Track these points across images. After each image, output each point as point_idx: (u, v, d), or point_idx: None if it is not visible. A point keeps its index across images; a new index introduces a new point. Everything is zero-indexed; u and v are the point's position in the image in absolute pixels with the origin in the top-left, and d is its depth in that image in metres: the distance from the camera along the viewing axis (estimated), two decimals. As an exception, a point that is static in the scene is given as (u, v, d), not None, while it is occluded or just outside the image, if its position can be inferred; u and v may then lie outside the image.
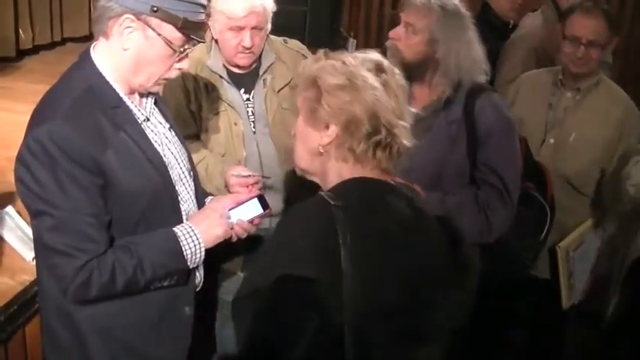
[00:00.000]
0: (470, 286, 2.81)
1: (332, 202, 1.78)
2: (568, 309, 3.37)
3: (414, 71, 2.81)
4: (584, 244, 3.33)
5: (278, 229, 1.90)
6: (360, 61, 1.90)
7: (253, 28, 2.94)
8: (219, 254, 3.17)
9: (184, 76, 3.06)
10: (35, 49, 4.94)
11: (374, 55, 1.94)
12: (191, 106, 3.11)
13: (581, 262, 3.34)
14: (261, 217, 2.37)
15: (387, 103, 1.86)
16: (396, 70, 1.96)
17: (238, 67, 3.07)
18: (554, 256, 3.26)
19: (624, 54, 5.69)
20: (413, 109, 2.85)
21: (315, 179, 2.01)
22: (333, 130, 1.86)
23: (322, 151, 1.90)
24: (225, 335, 3.48)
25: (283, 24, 4.86)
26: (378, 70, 1.90)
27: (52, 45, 5.13)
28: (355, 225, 1.75)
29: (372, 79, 1.86)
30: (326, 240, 1.73)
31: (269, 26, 3.04)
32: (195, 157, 3.03)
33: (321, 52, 1.96)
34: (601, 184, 3.35)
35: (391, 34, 2.87)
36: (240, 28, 2.93)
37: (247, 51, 2.98)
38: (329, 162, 1.92)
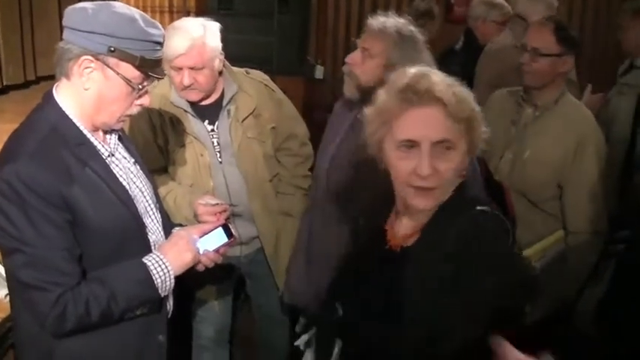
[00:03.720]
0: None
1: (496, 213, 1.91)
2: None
3: (370, 95, 2.88)
4: (545, 257, 3.35)
5: None
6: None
7: (191, 67, 3.00)
8: (193, 283, 3.25)
9: (150, 112, 3.14)
10: (5, 89, 4.97)
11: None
12: (158, 140, 3.18)
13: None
14: (226, 245, 2.41)
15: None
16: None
17: (191, 101, 3.14)
18: None
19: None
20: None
21: (437, 197, 1.93)
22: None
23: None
24: (202, 364, 3.54)
25: (251, 54, 4.99)
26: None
27: (26, 84, 5.17)
28: None
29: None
30: None
31: (215, 64, 3.07)
32: (164, 189, 3.11)
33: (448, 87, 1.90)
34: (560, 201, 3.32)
35: (348, 59, 2.94)
36: (179, 68, 3.00)
37: (190, 89, 3.05)
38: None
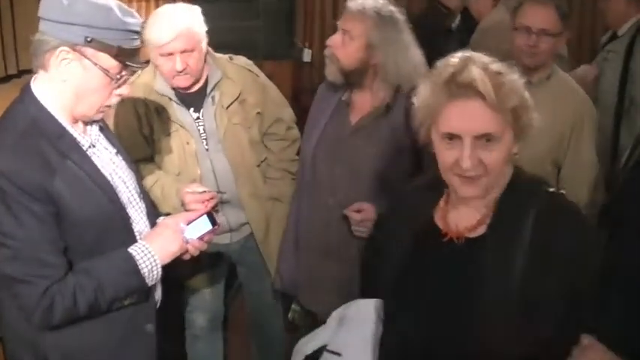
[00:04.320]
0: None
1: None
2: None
3: (353, 78, 2.88)
4: None
5: None
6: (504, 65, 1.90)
7: (182, 51, 2.98)
8: (183, 272, 3.24)
9: (134, 101, 3.13)
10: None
11: (481, 54, 1.93)
12: (143, 130, 3.17)
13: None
14: (210, 233, 2.40)
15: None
16: None
17: (181, 88, 3.12)
18: None
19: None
20: (354, 118, 2.94)
21: (484, 185, 1.90)
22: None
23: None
24: (195, 353, 3.53)
25: (237, 40, 4.96)
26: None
27: (7, 78, 5.13)
28: None
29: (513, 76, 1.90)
30: None
31: (203, 46, 3.08)
32: (151, 179, 3.10)
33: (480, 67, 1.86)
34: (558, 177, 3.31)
35: (329, 42, 2.93)
36: (170, 54, 2.98)
37: (182, 74, 3.02)
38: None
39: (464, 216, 1.97)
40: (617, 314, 2.12)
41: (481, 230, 1.94)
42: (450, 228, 1.98)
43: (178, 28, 2.97)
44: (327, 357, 2.10)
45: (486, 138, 1.82)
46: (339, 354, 2.08)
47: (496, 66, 1.87)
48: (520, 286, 1.82)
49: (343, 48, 2.87)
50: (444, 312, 1.93)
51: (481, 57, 1.88)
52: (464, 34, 5.05)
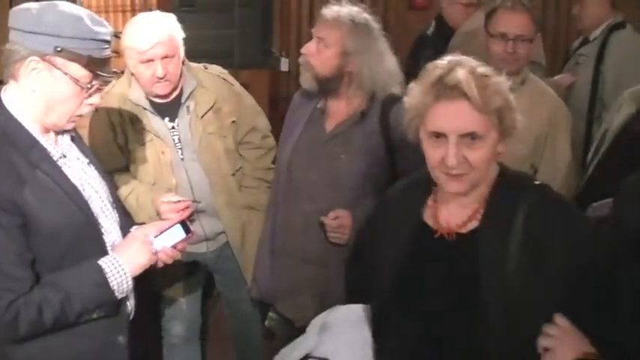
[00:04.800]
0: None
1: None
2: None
3: (328, 85, 2.89)
4: None
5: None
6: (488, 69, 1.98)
7: (163, 57, 2.99)
8: (159, 281, 3.23)
9: (109, 111, 3.12)
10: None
11: (469, 58, 2.01)
12: (118, 139, 3.16)
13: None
14: (184, 241, 2.40)
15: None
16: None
17: (159, 96, 3.12)
18: None
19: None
20: (329, 126, 2.95)
21: (470, 181, 1.96)
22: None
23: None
24: (174, 362, 3.53)
25: (213, 49, 4.96)
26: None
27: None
28: None
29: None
30: None
31: (181, 53, 3.09)
32: (126, 189, 3.10)
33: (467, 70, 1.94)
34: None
35: (303, 50, 2.94)
36: (150, 60, 2.98)
37: (162, 80, 3.02)
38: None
39: (454, 212, 2.03)
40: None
41: (472, 226, 2.00)
42: (441, 225, 2.04)
43: (159, 34, 2.98)
44: None
45: (471, 136, 1.89)
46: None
47: (483, 69, 1.94)
48: (514, 280, 1.88)
49: (318, 55, 2.88)
50: (442, 309, 1.98)
51: (469, 60, 1.96)
52: (438, 41, 5.06)
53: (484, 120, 1.90)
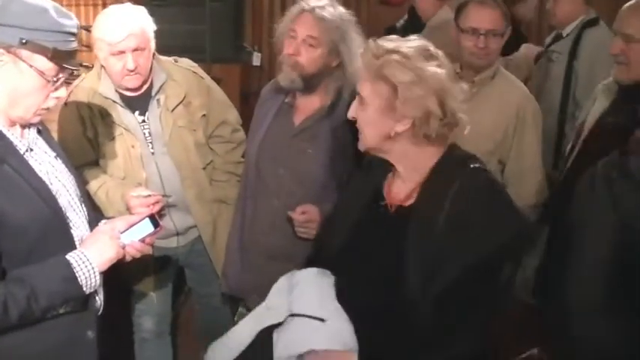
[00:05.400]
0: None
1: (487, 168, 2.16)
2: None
3: (313, 81, 2.88)
4: None
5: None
6: (417, 51, 2.08)
7: (134, 50, 2.97)
8: (130, 275, 3.22)
9: (78, 105, 3.10)
10: None
11: (418, 41, 2.15)
12: (87, 133, 3.13)
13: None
14: (152, 235, 2.39)
15: (451, 88, 2.06)
16: (439, 51, 2.14)
17: (129, 89, 3.10)
18: None
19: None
20: (297, 120, 2.94)
21: (384, 156, 2.18)
22: (408, 121, 2.06)
23: (393, 136, 2.09)
24: (144, 357, 3.51)
25: (184, 43, 4.94)
26: (431, 57, 2.09)
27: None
28: None
29: (433, 69, 2.04)
30: None
31: (152, 45, 3.08)
32: (95, 183, 3.08)
33: (371, 42, 2.16)
34: (503, 176, 3.35)
35: (291, 50, 2.86)
36: (122, 52, 2.97)
37: (133, 73, 3.01)
38: (403, 144, 2.12)
39: (401, 187, 2.18)
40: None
41: (411, 200, 2.12)
42: (391, 198, 2.19)
43: (131, 26, 2.96)
44: (297, 322, 2.15)
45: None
46: (321, 319, 2.13)
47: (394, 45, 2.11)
48: (437, 255, 1.99)
49: (306, 54, 2.84)
50: (370, 275, 2.13)
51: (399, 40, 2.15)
52: (408, 32, 5.07)
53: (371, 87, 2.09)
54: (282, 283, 2.34)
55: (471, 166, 2.11)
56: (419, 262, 2.01)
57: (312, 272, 2.29)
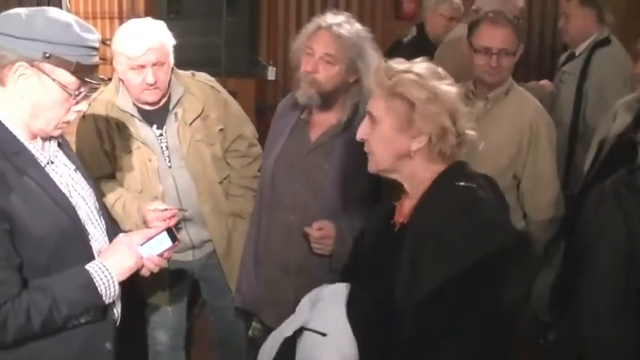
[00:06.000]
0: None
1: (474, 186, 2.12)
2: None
3: (330, 98, 2.88)
4: None
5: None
6: (429, 71, 2.14)
7: (154, 64, 2.99)
8: (145, 289, 3.23)
9: (96, 118, 3.12)
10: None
11: (427, 63, 2.19)
12: (105, 146, 3.15)
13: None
14: (170, 249, 2.40)
15: (461, 108, 2.11)
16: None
17: (147, 103, 3.11)
18: None
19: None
20: (313, 135, 2.95)
21: (396, 177, 2.22)
22: (425, 137, 2.10)
23: (408, 154, 2.13)
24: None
25: (200, 57, 4.97)
26: (442, 77, 2.14)
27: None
28: None
29: (446, 87, 2.09)
30: None
31: (171, 60, 3.10)
32: (112, 196, 3.09)
33: (382, 63, 2.22)
34: (518, 191, 3.38)
35: (309, 68, 2.84)
36: (141, 67, 2.98)
37: (152, 87, 3.03)
38: (415, 163, 2.16)
39: (407, 205, 2.23)
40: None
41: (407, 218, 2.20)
42: (398, 215, 2.26)
43: (151, 41, 2.98)
44: (307, 335, 2.27)
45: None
46: (323, 333, 2.23)
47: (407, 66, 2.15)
48: (422, 271, 2.05)
49: (324, 72, 2.82)
50: (372, 291, 2.21)
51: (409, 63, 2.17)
52: (415, 48, 5.07)
53: (384, 105, 2.13)
54: (313, 294, 2.42)
55: (459, 184, 2.12)
56: (408, 276, 2.06)
57: (341, 287, 2.36)
